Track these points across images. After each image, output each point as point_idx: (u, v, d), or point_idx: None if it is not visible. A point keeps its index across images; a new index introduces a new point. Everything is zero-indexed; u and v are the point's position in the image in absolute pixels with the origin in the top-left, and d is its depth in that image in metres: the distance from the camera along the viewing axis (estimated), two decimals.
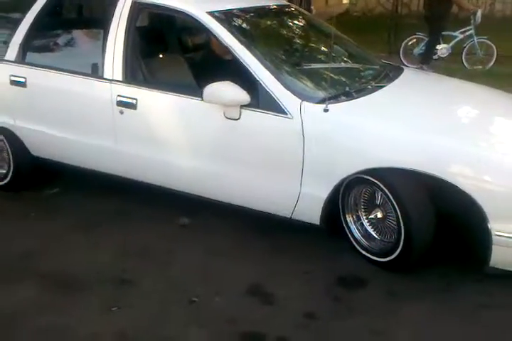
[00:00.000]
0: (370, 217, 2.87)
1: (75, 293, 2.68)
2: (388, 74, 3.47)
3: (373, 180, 2.70)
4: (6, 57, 3.60)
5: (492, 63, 8.22)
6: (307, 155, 2.79)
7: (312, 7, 19.21)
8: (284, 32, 3.78)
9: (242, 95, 2.83)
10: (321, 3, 21.60)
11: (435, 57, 8.34)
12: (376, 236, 2.89)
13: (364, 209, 2.92)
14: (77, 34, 3.71)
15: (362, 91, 3.07)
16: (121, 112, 3.21)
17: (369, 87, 3.18)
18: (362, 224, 2.93)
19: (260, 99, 2.88)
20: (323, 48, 3.66)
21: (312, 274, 2.82)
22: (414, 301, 2.60)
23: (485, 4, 10.66)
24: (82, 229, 3.28)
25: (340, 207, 2.94)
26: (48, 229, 3.30)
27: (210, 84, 2.87)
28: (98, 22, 3.57)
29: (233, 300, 2.61)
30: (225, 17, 3.18)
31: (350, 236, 2.95)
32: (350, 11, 16.67)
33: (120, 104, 3.21)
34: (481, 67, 8.19)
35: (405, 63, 8.26)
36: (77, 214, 3.46)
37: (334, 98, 2.90)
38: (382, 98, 3.08)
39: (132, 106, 3.17)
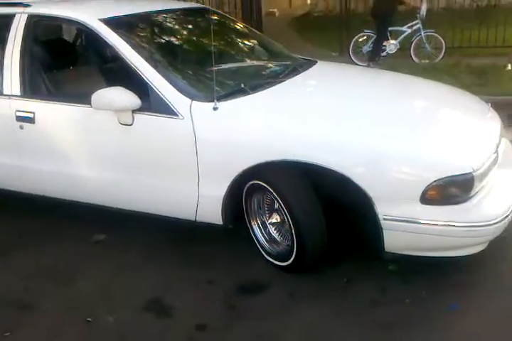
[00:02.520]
0: (270, 221, 2.82)
1: None
2: (296, 69, 3.41)
3: (263, 184, 2.64)
4: None
5: (441, 56, 8.16)
6: (200, 155, 2.72)
7: (275, 9, 19.34)
8: (183, 34, 3.69)
9: (131, 99, 2.76)
10: (285, 5, 21.77)
11: (383, 53, 8.31)
12: (279, 241, 2.83)
13: (268, 213, 2.86)
14: None
15: (257, 88, 2.98)
16: (21, 127, 3.16)
17: (267, 82, 3.09)
18: (267, 228, 2.87)
19: (152, 102, 2.81)
20: (223, 48, 3.60)
21: (214, 283, 2.75)
22: (312, 302, 2.56)
23: None
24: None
25: (245, 212, 2.89)
26: None
27: (98, 91, 2.80)
28: None
29: (129, 317, 2.54)
30: (119, 23, 3.11)
31: (255, 240, 2.89)
32: (311, 11, 16.69)
33: (19, 119, 3.16)
34: (429, 60, 8.14)
35: (355, 61, 8.25)
36: (2, 236, 3.41)
37: (226, 96, 2.84)
38: (278, 92, 3.00)
39: (30, 120, 3.12)
